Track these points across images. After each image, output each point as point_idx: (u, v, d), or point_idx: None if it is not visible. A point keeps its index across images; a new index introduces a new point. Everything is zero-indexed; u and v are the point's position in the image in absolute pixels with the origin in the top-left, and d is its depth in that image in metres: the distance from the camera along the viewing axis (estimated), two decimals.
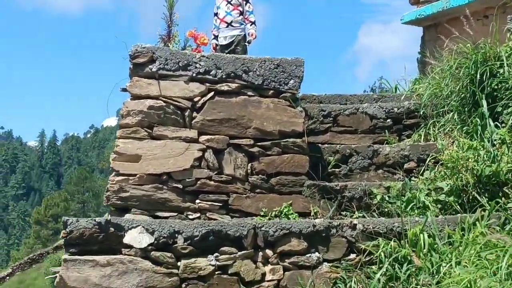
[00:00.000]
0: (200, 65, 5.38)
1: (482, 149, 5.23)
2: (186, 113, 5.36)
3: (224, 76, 5.40)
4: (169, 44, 5.70)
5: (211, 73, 5.39)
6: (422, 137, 6.16)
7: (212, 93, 5.41)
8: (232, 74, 5.40)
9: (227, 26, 6.22)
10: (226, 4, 6.26)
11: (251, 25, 6.27)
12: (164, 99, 5.33)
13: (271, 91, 5.49)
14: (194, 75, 5.38)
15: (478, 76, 5.70)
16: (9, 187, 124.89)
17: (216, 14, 6.46)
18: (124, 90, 5.39)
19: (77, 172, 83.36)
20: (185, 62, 5.37)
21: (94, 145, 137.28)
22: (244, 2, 6.31)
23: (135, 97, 5.37)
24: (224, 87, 5.41)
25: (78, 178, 75.42)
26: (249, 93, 5.46)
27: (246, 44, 6.34)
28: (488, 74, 5.70)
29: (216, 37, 6.42)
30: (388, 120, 6.40)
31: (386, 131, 6.37)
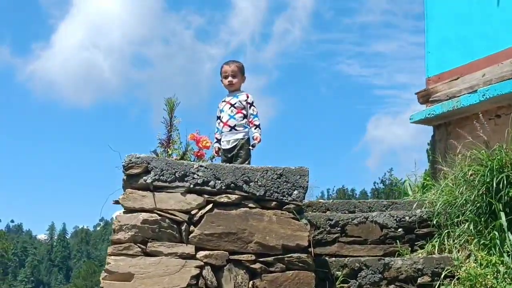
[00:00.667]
0: (198, 175, 5.05)
1: (501, 264, 4.87)
2: (183, 227, 4.99)
3: (223, 187, 5.05)
4: (168, 150, 5.45)
5: (209, 184, 5.05)
6: (436, 248, 5.78)
7: (211, 205, 5.05)
8: (232, 184, 5.06)
9: (230, 130, 5.95)
10: (230, 107, 6.01)
11: (255, 128, 5.98)
12: (159, 212, 4.99)
13: (274, 203, 5.14)
14: (191, 186, 5.03)
15: (494, 184, 5.39)
16: (18, 281, 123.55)
17: (219, 118, 6.19)
18: (117, 202, 5.09)
19: (86, 266, 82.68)
20: (182, 172, 5.04)
21: (103, 238, 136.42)
22: (248, 105, 6.08)
23: (129, 210, 5.04)
24: (223, 198, 5.06)
25: (86, 272, 74.78)
26: (250, 204, 5.10)
27: (250, 147, 6.02)
28: (505, 182, 5.39)
29: (219, 141, 6.12)
30: (400, 230, 6.04)
31: (398, 241, 5.99)
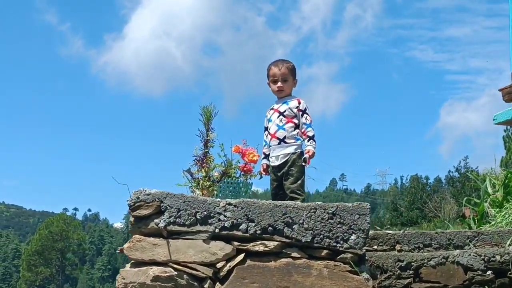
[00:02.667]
0: (225, 216, 3.88)
1: None
2: (206, 285, 3.84)
3: (258, 232, 3.85)
4: (203, 169, 4.35)
5: (240, 227, 3.87)
6: None
7: (242, 255, 3.86)
8: (270, 228, 3.86)
9: (279, 143, 4.83)
10: (278, 116, 4.98)
11: (308, 140, 4.86)
12: (175, 265, 3.86)
13: (325, 251, 3.90)
14: (217, 230, 3.87)
15: None
16: (96, 269, 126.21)
17: (266, 129, 5.02)
18: (121, 251, 4.00)
19: None
20: (205, 213, 3.88)
21: None
22: (300, 113, 5.00)
23: (136, 263, 3.94)
24: (258, 246, 3.87)
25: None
26: (294, 254, 3.89)
27: (303, 163, 4.83)
28: None
29: (267, 156, 4.96)
30: (489, 272, 4.67)
31: (487, 287, 4.66)
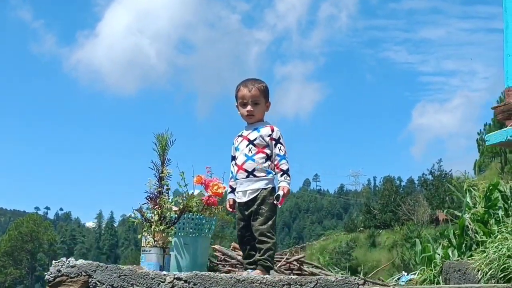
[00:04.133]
0: None
1: None
2: None
3: None
4: (155, 212, 3.75)
5: None
6: None
7: None
8: None
9: (247, 176, 4.15)
10: (247, 145, 4.27)
11: (282, 175, 4.15)
12: None
13: None
14: None
15: None
16: None
17: (233, 158, 4.35)
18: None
19: (133, 254, 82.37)
20: None
21: None
22: (274, 143, 4.29)
23: None
24: None
25: (133, 261, 74.38)
26: None
27: (275, 201, 4.19)
28: None
29: (233, 190, 4.30)
30: None
31: None
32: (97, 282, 3.05)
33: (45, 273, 3.14)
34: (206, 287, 3.04)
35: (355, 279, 3.13)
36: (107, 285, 3.04)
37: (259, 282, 2.99)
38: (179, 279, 3.05)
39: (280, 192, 4.18)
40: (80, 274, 3.09)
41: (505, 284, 4.88)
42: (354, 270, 45.50)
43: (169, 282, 3.05)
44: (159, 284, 3.03)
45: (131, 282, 3.03)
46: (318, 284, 3.05)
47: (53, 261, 3.03)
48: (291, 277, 3.02)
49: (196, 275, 2.98)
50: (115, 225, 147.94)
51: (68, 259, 2.97)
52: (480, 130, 56.76)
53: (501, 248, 5.55)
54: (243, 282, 3.01)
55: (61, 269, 3.09)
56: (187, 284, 3.05)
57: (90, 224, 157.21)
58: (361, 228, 57.04)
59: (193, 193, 4.38)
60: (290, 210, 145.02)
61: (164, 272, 2.94)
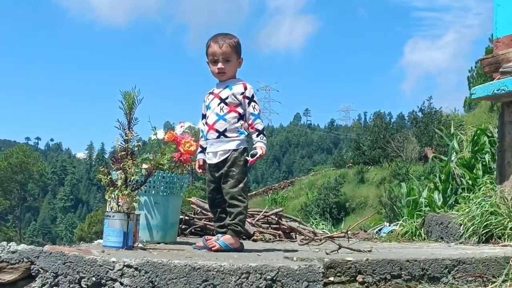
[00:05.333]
0: (122, 284, 2.77)
1: None
2: None
3: None
4: (121, 175, 3.55)
5: None
6: None
7: None
8: None
9: (218, 137, 3.93)
10: (219, 104, 4.01)
11: (257, 135, 3.93)
12: None
13: None
14: None
15: None
16: (58, 199, 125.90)
17: (204, 116, 4.11)
18: None
19: None
20: (93, 279, 2.74)
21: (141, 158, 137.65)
22: (247, 101, 4.04)
23: None
24: None
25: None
26: None
27: (248, 159, 3.99)
28: None
29: (204, 150, 4.08)
30: None
31: None
32: (40, 269, 2.80)
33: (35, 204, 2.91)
34: (158, 275, 2.75)
35: (319, 267, 2.91)
36: (50, 272, 2.78)
37: (216, 270, 2.74)
38: (129, 266, 2.76)
39: (259, 151, 3.97)
40: (22, 260, 2.81)
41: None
42: (342, 205, 45.91)
43: (118, 270, 2.77)
44: (107, 271, 2.75)
45: (77, 270, 2.77)
46: (279, 273, 2.82)
47: None
48: (251, 265, 2.78)
49: (148, 262, 2.68)
50: (106, 156, 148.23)
51: (9, 244, 2.72)
52: (471, 67, 56.47)
53: (484, 204, 5.44)
54: (198, 270, 2.73)
55: (0, 254, 2.79)
56: (137, 272, 2.77)
57: (81, 155, 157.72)
58: (350, 164, 57.23)
59: (146, 157, 4.15)
60: (280, 144, 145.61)
61: (113, 259, 2.68)
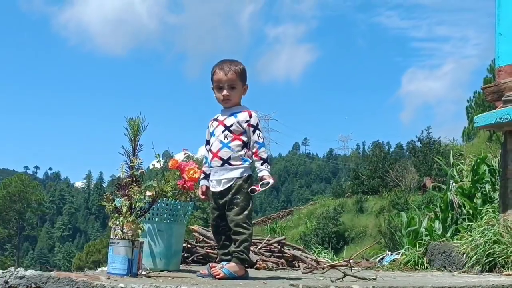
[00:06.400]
0: None
1: None
2: None
3: None
4: (125, 202, 3.54)
5: None
6: None
7: None
8: None
9: (222, 165, 3.90)
10: (223, 131, 4.02)
11: (262, 163, 3.93)
12: None
13: None
14: None
15: None
16: (56, 228, 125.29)
17: (208, 143, 4.08)
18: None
19: None
20: None
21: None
22: (251, 129, 4.02)
23: None
24: None
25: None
26: None
27: (253, 190, 3.96)
28: None
29: (207, 176, 4.06)
30: None
31: None
32: None
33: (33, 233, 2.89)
34: None
35: None
36: None
37: None
38: None
39: (270, 180, 3.95)
40: (30, 286, 2.79)
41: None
42: (341, 235, 45.73)
43: None
44: None
45: None
46: None
47: (0, 271, 2.75)
48: None
49: None
50: (104, 185, 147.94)
51: (17, 269, 2.70)
52: (470, 97, 56.63)
53: (487, 233, 5.42)
54: None
55: (8, 280, 2.79)
56: None
57: (79, 184, 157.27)
58: (349, 194, 57.10)
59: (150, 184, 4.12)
60: (279, 173, 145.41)
61: (122, 285, 2.63)
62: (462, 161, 8.78)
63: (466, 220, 7.02)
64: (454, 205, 7.53)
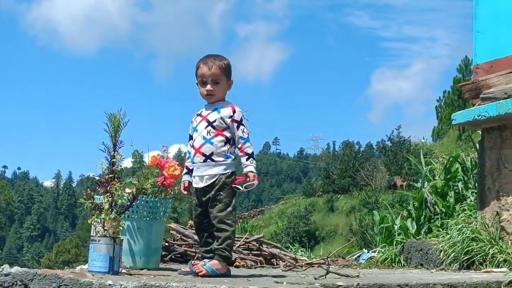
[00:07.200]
0: None
1: None
2: None
3: None
4: (106, 199, 3.47)
5: None
6: None
7: None
8: None
9: (205, 160, 3.84)
10: (206, 127, 3.98)
11: (247, 159, 3.92)
12: None
13: None
14: None
15: None
16: (24, 228, 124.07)
17: (191, 138, 4.08)
18: None
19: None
20: None
21: None
22: (235, 125, 3.97)
23: None
24: None
25: (90, 224, 74.12)
26: None
27: (236, 188, 3.92)
28: None
29: (189, 172, 3.99)
30: None
31: None
32: None
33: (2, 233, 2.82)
34: None
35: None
36: None
37: None
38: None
39: (255, 182, 3.91)
40: (15, 283, 2.70)
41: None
42: (312, 234, 45.90)
43: None
44: None
45: None
46: None
47: None
48: None
49: (146, 285, 2.47)
50: (74, 185, 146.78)
51: (2, 267, 2.62)
52: (440, 97, 57.22)
53: (465, 231, 5.43)
54: None
55: None
56: None
57: (48, 183, 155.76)
58: (320, 193, 57.37)
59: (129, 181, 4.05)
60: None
61: (110, 282, 2.56)
62: (435, 159, 8.84)
63: (440, 219, 7.05)
64: (428, 204, 7.56)
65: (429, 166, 8.40)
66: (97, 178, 3.70)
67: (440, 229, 6.26)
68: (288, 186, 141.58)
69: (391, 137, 50.99)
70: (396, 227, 7.88)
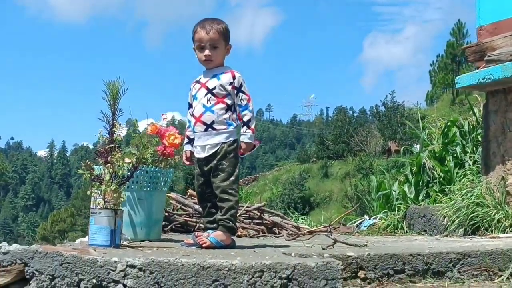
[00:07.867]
0: (125, 286, 2.54)
1: None
2: None
3: None
4: (107, 170, 3.34)
5: None
6: None
7: None
8: None
9: (206, 129, 3.72)
10: (206, 94, 3.82)
11: (243, 127, 3.81)
12: None
13: None
14: None
15: None
16: (19, 198, 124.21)
17: (190, 106, 3.95)
18: None
19: (85, 184, 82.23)
20: (94, 281, 2.52)
21: None
22: (235, 91, 3.82)
23: None
24: None
25: (85, 193, 74.25)
26: None
27: (237, 155, 3.82)
28: None
29: (191, 141, 3.90)
30: None
31: None
32: (35, 272, 2.56)
33: None
34: (164, 276, 2.52)
35: (338, 264, 2.70)
36: (46, 274, 2.54)
37: (227, 269, 2.52)
38: (132, 266, 2.53)
39: (245, 147, 3.80)
40: (15, 262, 2.58)
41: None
42: (307, 200, 45.95)
43: (120, 271, 2.54)
44: (108, 273, 2.52)
45: (75, 271, 2.53)
46: (295, 270, 2.61)
47: None
48: (264, 263, 2.56)
49: (153, 262, 2.48)
50: (67, 154, 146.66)
51: (0, 244, 2.50)
52: (433, 61, 57.03)
53: (470, 196, 5.34)
54: (208, 269, 2.50)
55: None
56: (142, 272, 2.54)
57: (42, 153, 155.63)
58: (314, 159, 57.39)
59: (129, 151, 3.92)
60: None
61: (115, 259, 2.46)
62: (433, 124, 8.74)
63: (438, 184, 6.97)
64: (426, 169, 7.47)
65: (427, 131, 8.31)
66: (91, 147, 3.58)
67: (439, 194, 6.19)
68: (282, 153, 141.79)
69: (385, 102, 50.77)
70: (394, 193, 7.81)
